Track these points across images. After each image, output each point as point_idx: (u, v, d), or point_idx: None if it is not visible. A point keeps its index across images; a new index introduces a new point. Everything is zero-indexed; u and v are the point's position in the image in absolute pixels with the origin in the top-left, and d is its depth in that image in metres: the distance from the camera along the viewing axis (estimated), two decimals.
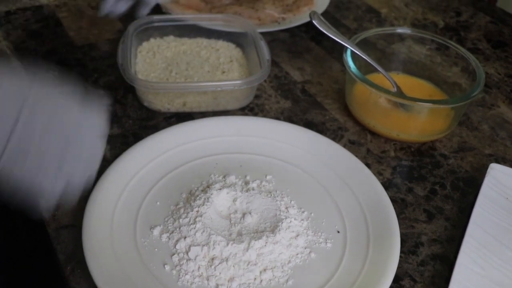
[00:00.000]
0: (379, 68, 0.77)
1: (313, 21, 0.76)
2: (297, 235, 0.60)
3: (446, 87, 0.80)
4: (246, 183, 0.66)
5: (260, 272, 0.56)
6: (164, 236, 0.60)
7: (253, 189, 0.65)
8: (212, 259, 0.57)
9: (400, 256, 0.59)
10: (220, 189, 0.63)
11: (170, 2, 0.96)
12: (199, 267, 0.56)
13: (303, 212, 0.63)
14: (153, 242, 0.59)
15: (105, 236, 0.58)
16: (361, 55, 0.76)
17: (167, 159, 0.69)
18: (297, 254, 0.59)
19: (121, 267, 0.56)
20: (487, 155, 0.74)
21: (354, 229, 0.62)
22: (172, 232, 0.60)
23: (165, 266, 0.57)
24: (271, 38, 0.94)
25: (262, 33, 0.94)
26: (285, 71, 0.87)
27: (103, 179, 0.63)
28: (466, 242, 0.59)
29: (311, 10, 0.84)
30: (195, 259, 0.57)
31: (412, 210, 0.66)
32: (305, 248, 0.60)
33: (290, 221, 0.61)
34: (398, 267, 0.57)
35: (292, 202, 0.64)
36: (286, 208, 0.63)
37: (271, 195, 0.64)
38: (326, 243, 0.60)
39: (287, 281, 0.56)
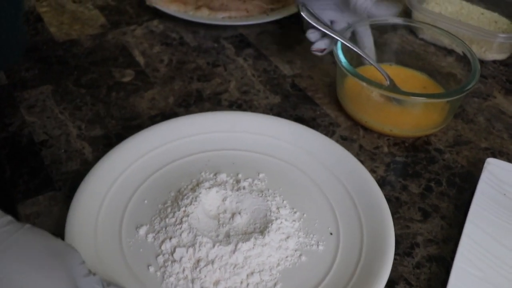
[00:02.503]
0: (371, 61, 0.74)
1: (302, 13, 0.74)
2: (288, 237, 0.57)
3: (440, 78, 0.78)
4: (238, 181, 0.63)
5: (247, 276, 0.54)
6: (150, 236, 0.57)
7: (244, 188, 0.62)
8: (198, 261, 0.54)
9: (395, 259, 0.56)
10: (210, 187, 0.61)
11: None
12: (184, 269, 0.54)
13: (295, 212, 0.61)
14: (139, 242, 0.57)
15: (88, 238, 0.56)
16: (352, 47, 0.73)
17: (156, 156, 0.66)
18: (286, 257, 0.56)
19: (104, 269, 0.54)
20: (484, 149, 0.72)
21: (347, 231, 0.59)
22: (158, 232, 0.57)
23: (150, 267, 0.55)
24: (260, 30, 0.91)
25: (251, 25, 0.92)
26: (274, 64, 0.84)
27: (86, 181, 0.61)
28: (463, 242, 0.57)
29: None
30: (180, 261, 0.54)
31: (407, 209, 0.63)
32: (296, 250, 0.57)
33: (281, 222, 0.58)
34: (393, 270, 0.55)
35: (284, 202, 0.61)
36: (278, 208, 0.60)
37: (262, 194, 0.61)
38: (318, 245, 0.58)
39: (275, 285, 0.54)
